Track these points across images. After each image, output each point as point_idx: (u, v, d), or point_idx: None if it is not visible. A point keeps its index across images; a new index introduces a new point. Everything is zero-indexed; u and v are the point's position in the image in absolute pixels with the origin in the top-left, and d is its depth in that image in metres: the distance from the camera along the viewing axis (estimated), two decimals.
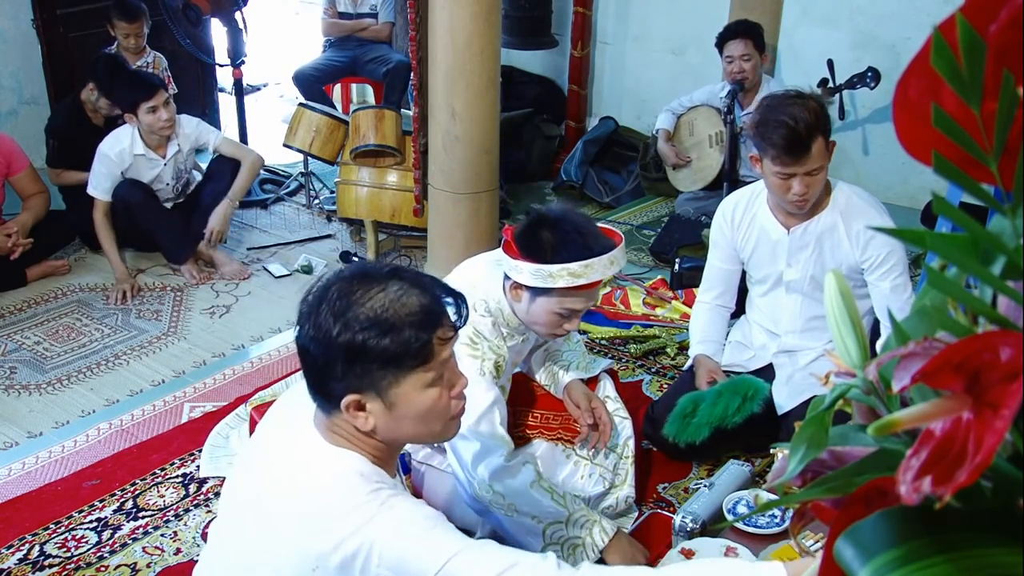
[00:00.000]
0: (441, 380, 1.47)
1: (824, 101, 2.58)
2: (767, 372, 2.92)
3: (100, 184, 4.21)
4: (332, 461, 1.47)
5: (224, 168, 4.43)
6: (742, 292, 3.04)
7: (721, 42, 4.35)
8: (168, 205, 4.41)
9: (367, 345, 1.39)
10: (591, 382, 2.68)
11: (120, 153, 4.22)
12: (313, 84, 5.74)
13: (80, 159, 4.50)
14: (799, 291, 2.78)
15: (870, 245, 2.63)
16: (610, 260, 2.25)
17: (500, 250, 2.35)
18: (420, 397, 1.45)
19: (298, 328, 1.47)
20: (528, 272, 2.25)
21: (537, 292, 2.29)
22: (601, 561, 2.32)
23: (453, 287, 1.54)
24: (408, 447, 2.55)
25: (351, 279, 1.46)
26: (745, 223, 2.83)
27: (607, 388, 2.68)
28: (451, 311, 1.48)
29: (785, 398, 2.83)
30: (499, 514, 2.33)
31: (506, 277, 2.35)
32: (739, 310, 3.07)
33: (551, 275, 2.22)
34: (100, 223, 4.23)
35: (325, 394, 1.46)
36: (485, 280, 2.43)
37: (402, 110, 4.57)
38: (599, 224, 2.37)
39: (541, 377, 2.70)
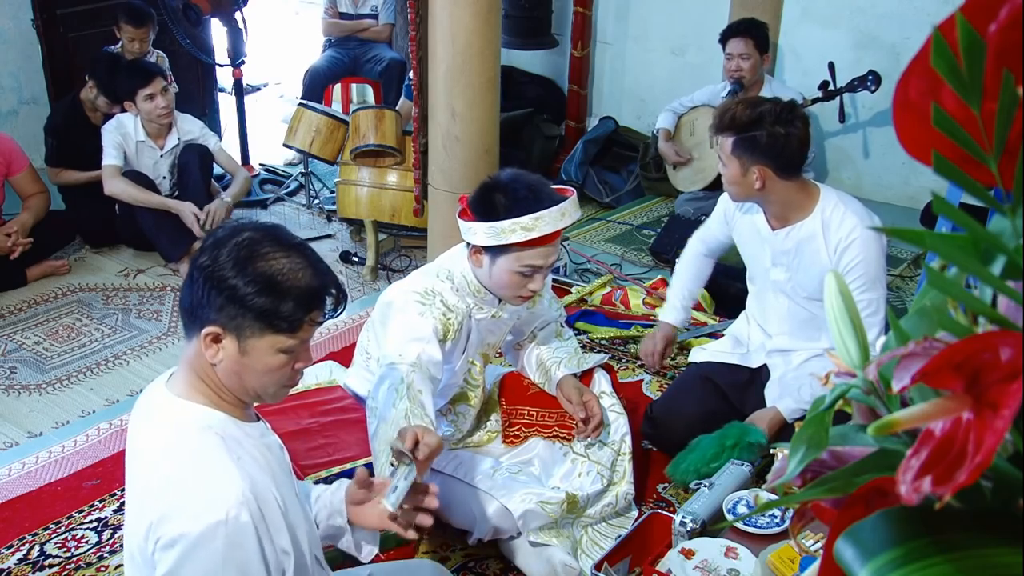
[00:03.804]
0: (293, 352, 1.57)
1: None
2: (764, 373, 2.92)
3: (108, 151, 4.28)
4: (179, 416, 1.58)
5: (191, 158, 4.45)
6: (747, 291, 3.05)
7: (724, 39, 4.35)
8: None
9: (249, 296, 1.51)
10: (586, 379, 2.68)
11: (124, 134, 4.31)
12: (321, 82, 5.75)
13: (79, 158, 4.51)
14: (785, 293, 2.78)
15: (845, 253, 2.61)
16: (561, 212, 2.28)
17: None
18: (270, 357, 1.55)
19: (199, 253, 1.58)
20: (482, 232, 2.29)
21: (495, 252, 2.31)
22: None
23: (342, 285, 1.64)
24: None
25: (264, 235, 1.57)
26: (743, 212, 2.85)
27: (602, 384, 2.68)
28: (330, 302, 1.59)
29: (775, 397, 2.83)
30: (372, 424, 2.23)
31: (467, 245, 2.37)
32: (742, 306, 3.08)
33: (503, 231, 2.26)
34: (116, 186, 4.25)
35: (194, 318, 1.56)
36: (453, 256, 2.49)
37: (402, 99, 4.56)
38: (554, 186, 2.39)
39: (535, 375, 2.71)
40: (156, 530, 1.52)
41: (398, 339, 2.32)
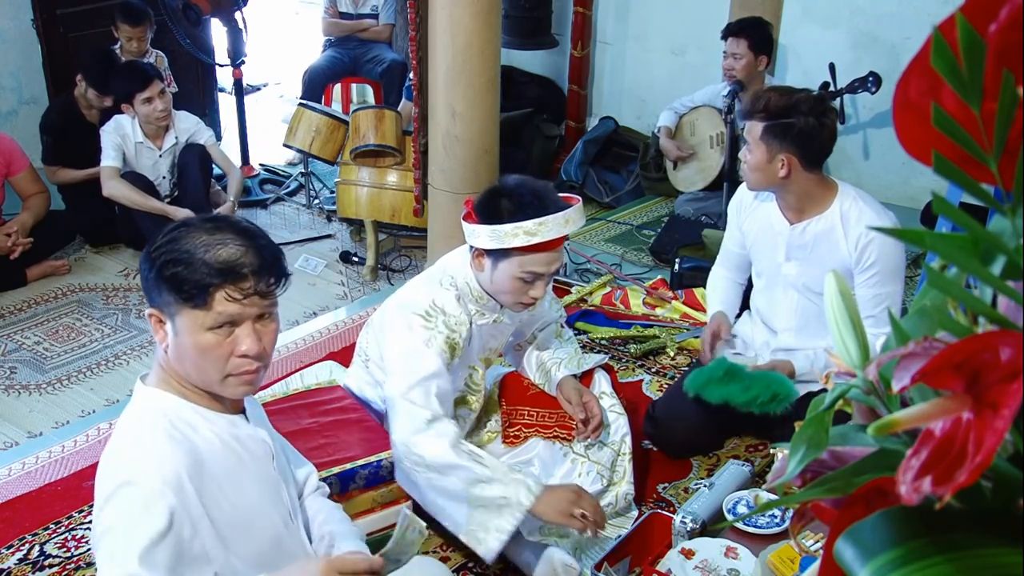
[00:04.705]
0: (226, 331, 1.55)
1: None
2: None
3: (108, 153, 4.28)
4: (140, 403, 1.61)
5: (191, 159, 4.46)
6: (750, 287, 3.05)
7: (724, 37, 4.36)
8: (166, 202, 4.43)
9: (164, 267, 1.53)
10: (586, 379, 2.68)
11: (123, 135, 4.32)
12: (321, 82, 5.75)
13: (75, 156, 4.51)
14: (796, 288, 2.79)
15: (866, 249, 2.63)
16: (565, 218, 2.27)
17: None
18: (197, 336, 1.54)
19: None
20: (485, 235, 2.28)
21: (497, 256, 2.31)
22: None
23: (286, 268, 1.61)
24: None
25: (209, 223, 1.59)
26: (753, 208, 2.86)
27: (602, 384, 2.68)
28: (256, 280, 1.54)
29: None
30: (422, 480, 2.28)
31: (470, 249, 2.37)
32: (745, 305, 3.08)
33: (506, 234, 2.25)
34: (114, 188, 4.25)
35: (148, 300, 1.60)
36: (455, 261, 2.48)
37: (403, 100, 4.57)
38: (560, 194, 2.39)
39: (535, 376, 2.71)
40: (96, 504, 1.54)
41: (407, 374, 2.32)
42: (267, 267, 1.56)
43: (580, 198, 2.39)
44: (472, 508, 2.26)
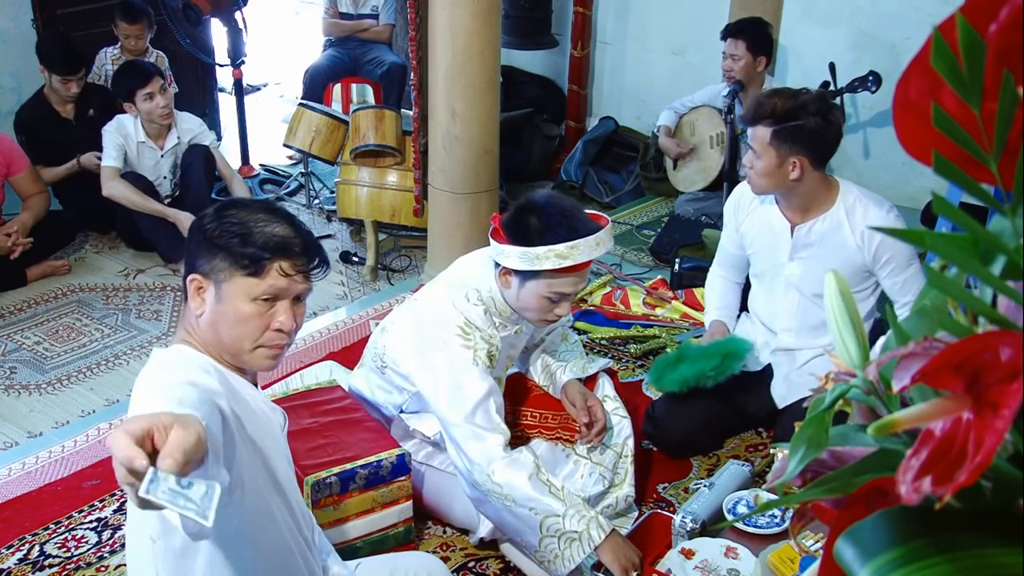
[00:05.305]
0: (268, 304, 1.64)
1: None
2: (767, 371, 2.92)
3: (109, 153, 4.29)
4: (170, 354, 1.64)
5: (195, 160, 4.46)
6: (747, 288, 3.05)
7: (722, 38, 4.36)
8: (166, 202, 4.43)
9: (220, 236, 1.63)
10: (590, 382, 2.68)
11: (125, 135, 4.32)
12: (321, 82, 5.75)
13: (52, 153, 4.51)
14: (798, 289, 2.78)
15: (878, 248, 2.63)
16: (596, 241, 2.27)
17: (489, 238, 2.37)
18: (243, 304, 1.62)
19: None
20: (515, 256, 2.28)
21: (525, 276, 2.31)
22: (598, 565, 2.32)
23: (327, 256, 1.73)
24: (409, 447, 2.56)
25: (260, 203, 1.73)
26: (751, 209, 2.85)
27: (606, 387, 2.69)
28: (307, 260, 1.66)
29: (782, 396, 2.84)
30: (497, 504, 2.33)
31: (496, 264, 2.37)
32: (743, 307, 3.08)
33: (537, 257, 2.25)
34: (115, 189, 4.25)
35: (187, 272, 1.68)
36: (478, 271, 2.46)
37: (402, 110, 4.57)
38: (587, 211, 2.39)
39: (540, 378, 2.71)
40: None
41: (464, 399, 2.34)
42: (313, 251, 1.69)
43: (609, 218, 2.39)
44: (544, 536, 2.31)
